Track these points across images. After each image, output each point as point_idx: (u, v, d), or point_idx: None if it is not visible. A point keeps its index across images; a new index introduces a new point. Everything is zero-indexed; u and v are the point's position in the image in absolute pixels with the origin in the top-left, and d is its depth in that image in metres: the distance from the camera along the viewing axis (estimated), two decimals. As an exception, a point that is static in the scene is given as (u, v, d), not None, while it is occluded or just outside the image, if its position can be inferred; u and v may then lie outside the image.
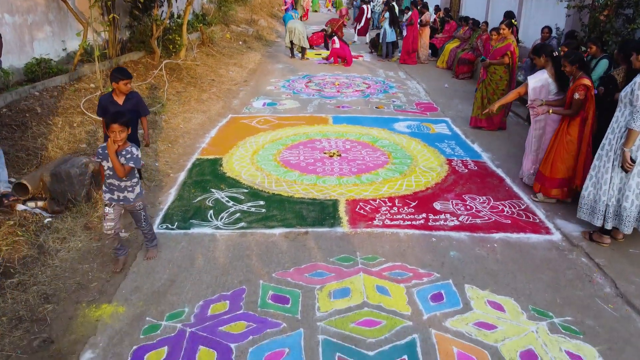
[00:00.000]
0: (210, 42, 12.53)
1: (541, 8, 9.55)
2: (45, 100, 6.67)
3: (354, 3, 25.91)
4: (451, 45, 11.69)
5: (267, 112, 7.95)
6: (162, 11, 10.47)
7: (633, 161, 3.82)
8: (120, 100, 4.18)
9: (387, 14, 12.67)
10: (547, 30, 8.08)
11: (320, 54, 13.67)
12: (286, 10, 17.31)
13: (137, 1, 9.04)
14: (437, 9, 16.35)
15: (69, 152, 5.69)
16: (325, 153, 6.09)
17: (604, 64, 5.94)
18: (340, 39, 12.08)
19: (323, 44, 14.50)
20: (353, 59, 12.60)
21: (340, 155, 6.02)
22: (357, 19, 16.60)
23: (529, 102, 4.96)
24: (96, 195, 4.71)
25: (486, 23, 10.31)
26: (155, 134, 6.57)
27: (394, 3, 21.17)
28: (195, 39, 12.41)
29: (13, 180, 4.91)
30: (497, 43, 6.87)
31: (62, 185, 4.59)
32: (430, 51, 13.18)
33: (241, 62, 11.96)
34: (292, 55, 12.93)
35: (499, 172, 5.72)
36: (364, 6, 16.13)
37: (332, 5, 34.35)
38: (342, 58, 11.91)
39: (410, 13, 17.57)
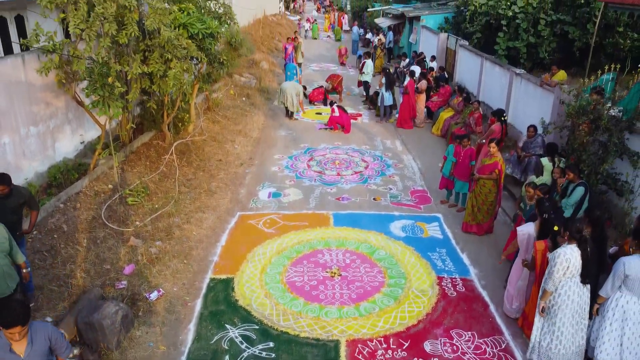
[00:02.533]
0: (216, 106, 13.12)
1: (530, 91, 10.15)
2: (69, 214, 7.25)
3: (353, 34, 26.48)
4: (445, 114, 12.30)
5: (273, 208, 8.55)
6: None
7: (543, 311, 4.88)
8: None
9: (383, 79, 13.28)
10: (532, 129, 8.70)
11: (320, 113, 14.27)
12: (286, 57, 17.93)
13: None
14: (433, 58, 16.98)
15: (96, 276, 6.30)
16: (327, 272, 6.70)
17: (580, 191, 6.56)
18: (340, 107, 12.68)
19: (322, 100, 15.10)
20: (352, 120, 13.24)
21: (340, 275, 6.63)
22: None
23: (522, 260, 5.59)
24: (124, 341, 5.32)
25: (478, 102, 10.93)
26: (171, 246, 7.17)
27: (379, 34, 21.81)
28: (201, 101, 13.00)
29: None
30: (485, 158, 7.47)
31: (95, 334, 5.19)
32: (426, 110, 13.76)
33: (245, 128, 12.55)
34: (287, 115, 13.66)
35: (484, 295, 6.33)
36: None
37: (331, 30, 34.96)
38: (342, 125, 12.52)
39: (407, 60, 18.23)
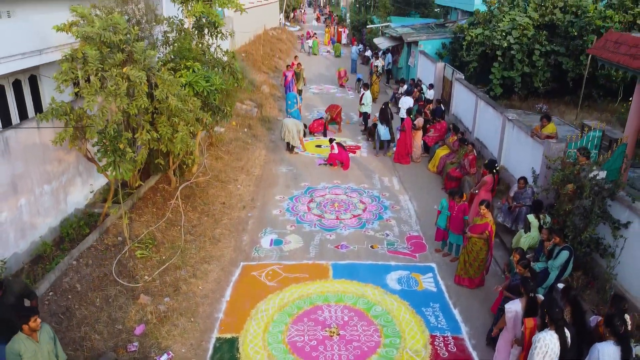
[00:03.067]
0: (219, 142, 13.52)
1: (522, 139, 10.53)
2: (82, 272, 7.66)
3: (352, 54, 26.86)
4: (441, 152, 12.70)
5: (274, 257, 8.95)
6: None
7: None
8: None
9: (378, 114, 13.73)
10: (522, 181, 9.11)
11: (320, 146, 14.68)
12: (286, 85, 18.31)
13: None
14: (431, 87, 17.38)
15: (109, 338, 6.70)
16: (326, 331, 7.10)
17: (564, 255, 6.97)
18: (339, 144, 13.10)
19: (322, 132, 15.51)
20: (351, 154, 13.67)
21: (339, 335, 7.04)
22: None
23: (513, 340, 5.94)
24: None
25: (472, 145, 11.33)
26: (178, 303, 7.57)
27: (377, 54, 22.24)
28: (204, 136, 13.39)
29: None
30: (477, 218, 7.88)
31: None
32: (422, 143, 14.13)
33: (247, 165, 12.94)
34: (288, 149, 14.08)
35: (474, 356, 6.74)
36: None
37: (331, 44, 35.34)
38: (341, 162, 12.93)
39: (405, 87, 18.60)
